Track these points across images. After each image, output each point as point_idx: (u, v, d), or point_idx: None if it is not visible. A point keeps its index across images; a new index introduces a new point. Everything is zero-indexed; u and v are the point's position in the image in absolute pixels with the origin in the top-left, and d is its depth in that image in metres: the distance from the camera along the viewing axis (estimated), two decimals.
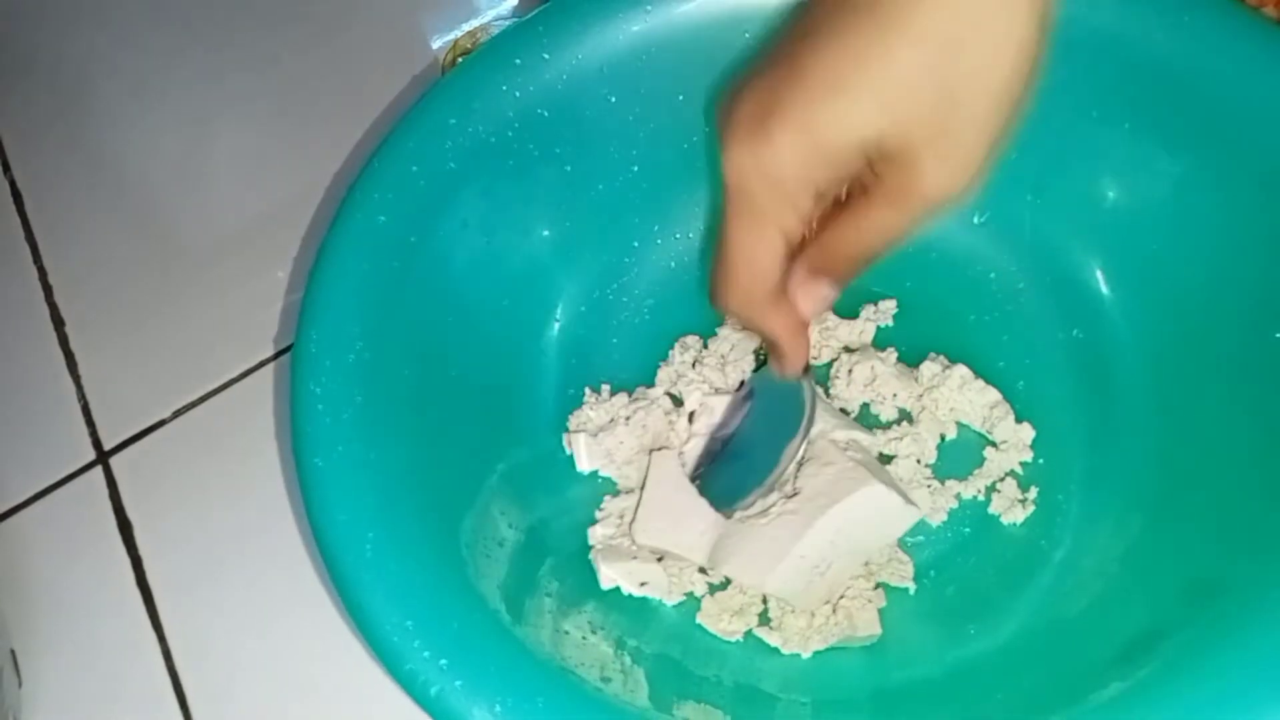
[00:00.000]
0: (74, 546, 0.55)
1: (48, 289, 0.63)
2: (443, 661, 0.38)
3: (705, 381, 0.51)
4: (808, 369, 0.45)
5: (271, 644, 0.51)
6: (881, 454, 0.49)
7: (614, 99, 0.51)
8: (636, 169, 0.53)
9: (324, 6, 0.71)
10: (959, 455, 0.49)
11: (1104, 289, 0.51)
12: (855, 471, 0.46)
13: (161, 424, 0.58)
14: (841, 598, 0.46)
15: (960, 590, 0.47)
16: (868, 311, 0.52)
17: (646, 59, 0.50)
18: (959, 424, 0.50)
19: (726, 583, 0.47)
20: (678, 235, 0.55)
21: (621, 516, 0.49)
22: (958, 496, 0.48)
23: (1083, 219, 0.51)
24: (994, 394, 0.49)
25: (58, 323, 0.62)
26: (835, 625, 0.45)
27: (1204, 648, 0.37)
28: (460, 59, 0.59)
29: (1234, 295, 0.46)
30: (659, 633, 0.46)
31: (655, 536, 0.47)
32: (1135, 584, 0.44)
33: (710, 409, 0.50)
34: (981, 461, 0.49)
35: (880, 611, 0.46)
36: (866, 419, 0.50)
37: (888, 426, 0.50)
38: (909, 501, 0.46)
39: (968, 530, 0.48)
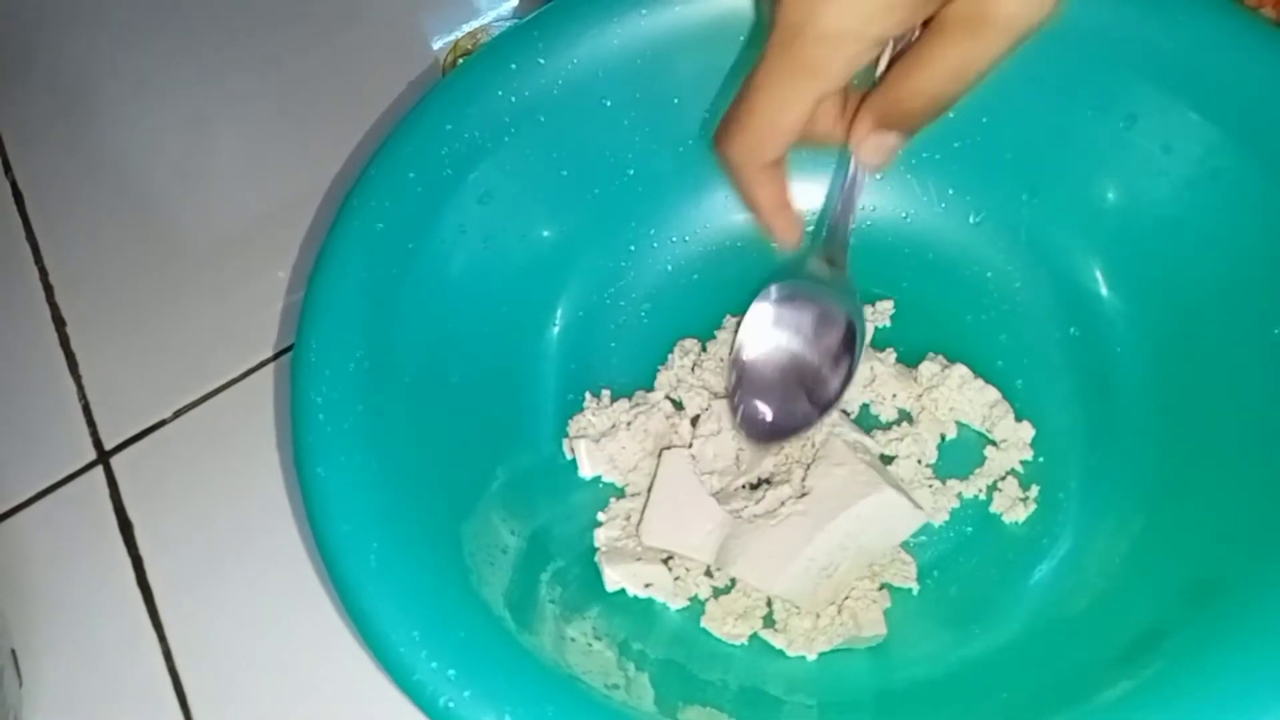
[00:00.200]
0: (74, 546, 0.55)
1: (48, 289, 0.63)
2: (451, 672, 0.38)
3: (704, 385, 0.51)
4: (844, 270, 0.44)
5: (272, 643, 0.51)
6: (882, 455, 0.49)
7: (610, 103, 0.51)
8: (633, 172, 0.53)
9: (324, 7, 0.71)
10: (959, 455, 0.49)
11: (1102, 288, 0.51)
12: (866, 474, 0.46)
13: (162, 424, 0.58)
14: (846, 598, 0.46)
15: (963, 590, 0.47)
16: (866, 312, 0.52)
17: (642, 63, 0.50)
18: (959, 423, 0.50)
19: (731, 586, 0.47)
20: (674, 239, 0.55)
21: (628, 518, 0.49)
22: (959, 496, 0.48)
23: (1080, 218, 0.51)
24: (993, 393, 0.49)
25: (58, 323, 0.62)
26: (840, 626, 0.45)
27: (1207, 647, 0.37)
28: (461, 60, 0.59)
29: (1233, 292, 0.46)
30: (663, 637, 0.46)
31: (662, 537, 0.47)
32: (1137, 583, 0.44)
33: (717, 414, 0.50)
34: (982, 461, 0.49)
35: (885, 612, 0.46)
36: (866, 419, 0.50)
37: (888, 427, 0.50)
38: (916, 505, 0.46)
39: (970, 530, 0.48)
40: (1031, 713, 0.40)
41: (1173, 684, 0.37)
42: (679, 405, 0.51)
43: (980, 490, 0.48)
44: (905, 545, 0.47)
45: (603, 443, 0.50)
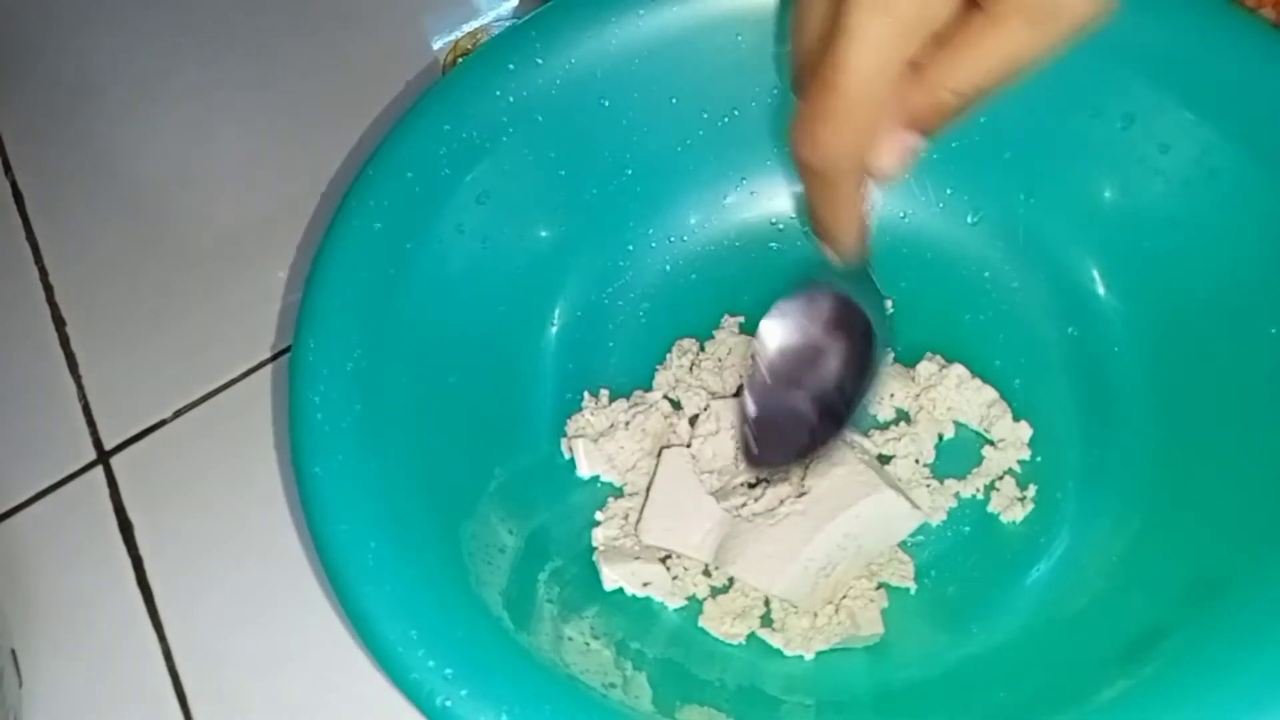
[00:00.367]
0: (74, 546, 0.55)
1: (48, 289, 0.63)
2: (448, 671, 0.38)
3: (703, 385, 0.51)
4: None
5: (272, 643, 0.51)
6: (880, 455, 0.49)
7: (607, 102, 0.51)
8: (630, 172, 0.53)
9: (324, 7, 0.71)
10: (957, 454, 0.49)
11: (1099, 288, 0.51)
12: (864, 474, 0.46)
13: (162, 424, 0.58)
14: (844, 598, 0.46)
15: (961, 589, 0.47)
16: None
17: (639, 62, 0.50)
18: (956, 423, 0.50)
19: (729, 585, 0.47)
20: (672, 239, 0.55)
21: (626, 517, 0.49)
22: (956, 495, 0.48)
23: (1078, 218, 0.51)
24: (991, 393, 0.49)
25: (58, 323, 0.62)
26: (838, 625, 0.45)
27: (1207, 646, 0.38)
28: (461, 60, 0.59)
29: (1230, 292, 0.46)
30: (661, 636, 0.46)
31: (660, 536, 0.47)
32: (1136, 582, 0.44)
33: (716, 414, 0.50)
34: (980, 460, 0.49)
35: (882, 611, 0.46)
36: (864, 419, 0.50)
37: (885, 426, 0.50)
38: (915, 505, 0.46)
39: (967, 529, 0.48)
40: (1029, 712, 0.40)
41: (1171, 683, 0.37)
42: (677, 405, 0.51)
43: (978, 490, 0.48)
44: (903, 545, 0.47)
45: (601, 442, 0.50)
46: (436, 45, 0.63)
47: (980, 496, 0.48)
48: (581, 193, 0.53)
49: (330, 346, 0.44)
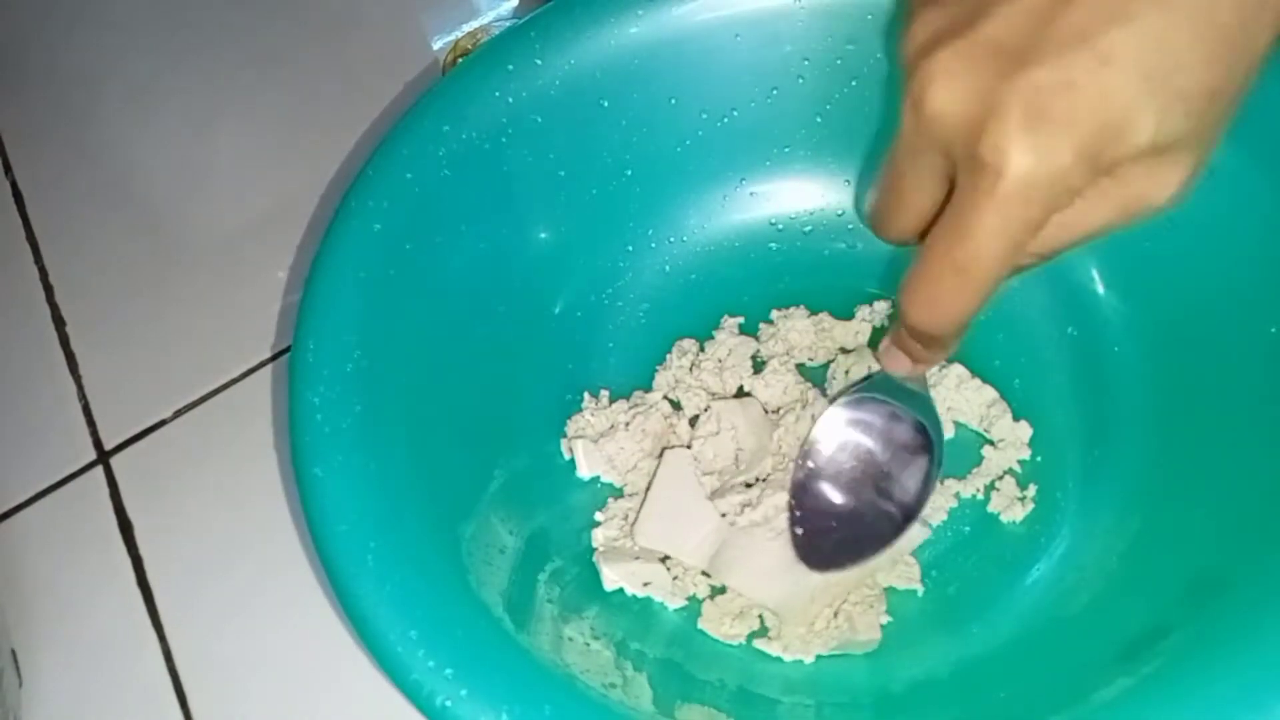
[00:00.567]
0: (74, 546, 0.55)
1: (48, 289, 0.63)
2: (448, 671, 0.38)
3: (703, 386, 0.51)
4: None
5: (271, 643, 0.51)
6: None
7: (607, 103, 0.51)
8: (630, 173, 0.53)
9: (324, 8, 0.71)
10: (957, 454, 0.49)
11: (1099, 287, 0.51)
12: None
13: (162, 424, 0.58)
14: (843, 602, 0.46)
15: (961, 590, 0.47)
16: (863, 313, 0.52)
17: (639, 63, 0.50)
18: (957, 423, 0.50)
19: (727, 586, 0.47)
20: (672, 239, 0.55)
21: (625, 518, 0.49)
22: (957, 495, 0.48)
23: None
24: (991, 392, 0.49)
25: (58, 323, 0.62)
26: (836, 630, 0.45)
27: (1208, 645, 0.37)
28: (461, 60, 0.59)
29: (1230, 291, 0.46)
30: (661, 637, 0.46)
31: (655, 539, 0.47)
32: (1137, 581, 0.44)
33: (716, 414, 0.50)
34: (980, 460, 0.49)
35: (883, 611, 0.46)
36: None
37: None
38: (923, 523, 0.46)
39: (968, 529, 0.48)
40: (1030, 712, 0.40)
41: (1172, 682, 0.37)
42: (677, 406, 0.51)
43: (978, 490, 0.48)
44: None
45: (601, 443, 0.50)
46: (436, 45, 0.63)
47: (980, 496, 0.48)
48: (581, 193, 0.53)
49: (330, 347, 0.44)
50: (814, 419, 0.47)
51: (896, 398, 0.45)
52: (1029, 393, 0.50)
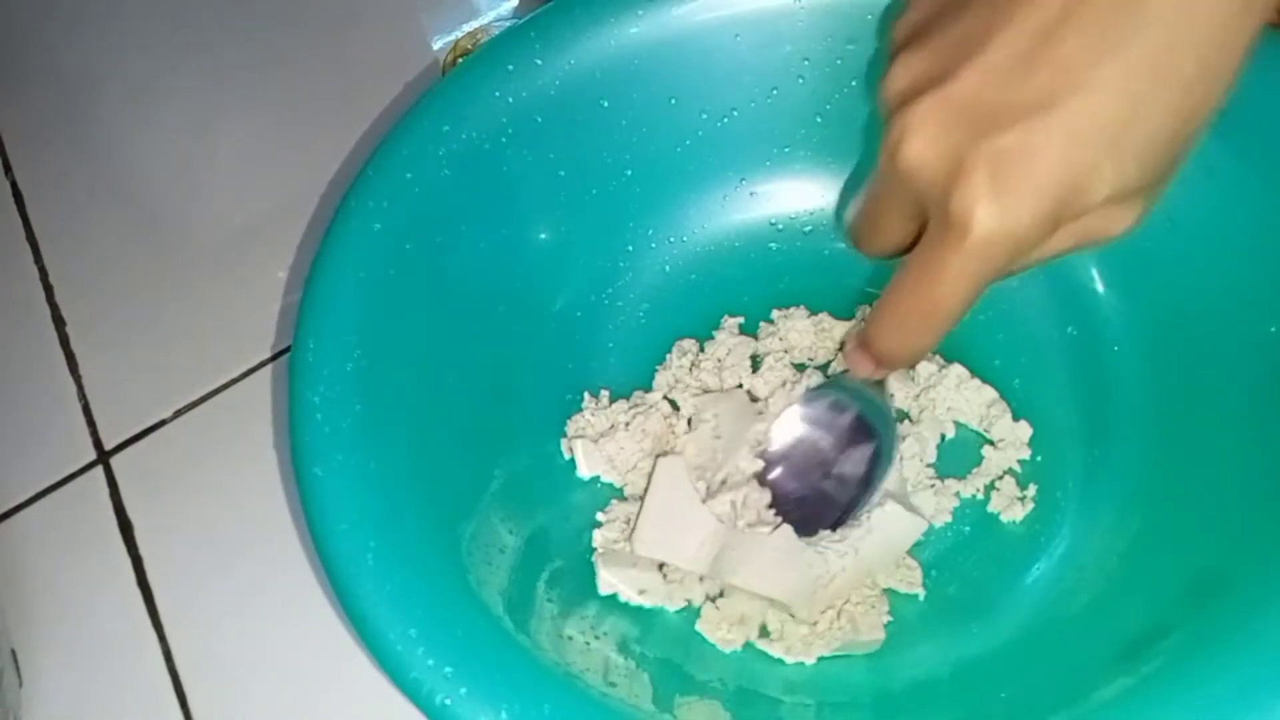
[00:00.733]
0: (74, 546, 0.55)
1: (48, 289, 0.63)
2: (448, 669, 0.38)
3: (703, 386, 0.51)
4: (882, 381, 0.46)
5: (272, 643, 0.51)
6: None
7: (607, 103, 0.51)
8: (630, 173, 0.53)
9: (324, 8, 0.71)
10: (957, 454, 0.49)
11: (1098, 286, 0.51)
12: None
13: (162, 424, 0.58)
14: (845, 603, 0.46)
15: (962, 589, 0.47)
16: (863, 313, 0.52)
17: (639, 63, 0.50)
18: (956, 423, 0.50)
19: (725, 592, 0.47)
20: (672, 239, 0.55)
21: (628, 521, 0.49)
22: (957, 495, 0.48)
23: None
24: (991, 392, 0.49)
25: (58, 323, 0.62)
26: (838, 630, 0.45)
27: (1209, 644, 0.37)
28: (461, 60, 0.59)
29: (1229, 290, 0.46)
30: (662, 636, 0.46)
31: (654, 548, 0.47)
32: (1137, 580, 0.44)
33: (705, 411, 0.50)
34: (980, 460, 0.49)
35: (885, 614, 0.46)
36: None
37: None
38: (918, 514, 0.46)
39: (968, 529, 0.48)
40: (1031, 712, 0.40)
41: (1172, 682, 0.37)
42: (677, 406, 0.51)
43: (978, 490, 0.48)
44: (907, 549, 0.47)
45: (601, 443, 0.50)
46: (436, 45, 0.63)
47: (980, 496, 0.48)
48: (581, 193, 0.53)
49: (330, 347, 0.44)
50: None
51: (847, 393, 0.48)
52: (1029, 392, 0.50)
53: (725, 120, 0.53)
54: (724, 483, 0.48)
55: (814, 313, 0.52)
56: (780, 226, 0.55)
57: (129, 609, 0.53)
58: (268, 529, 0.53)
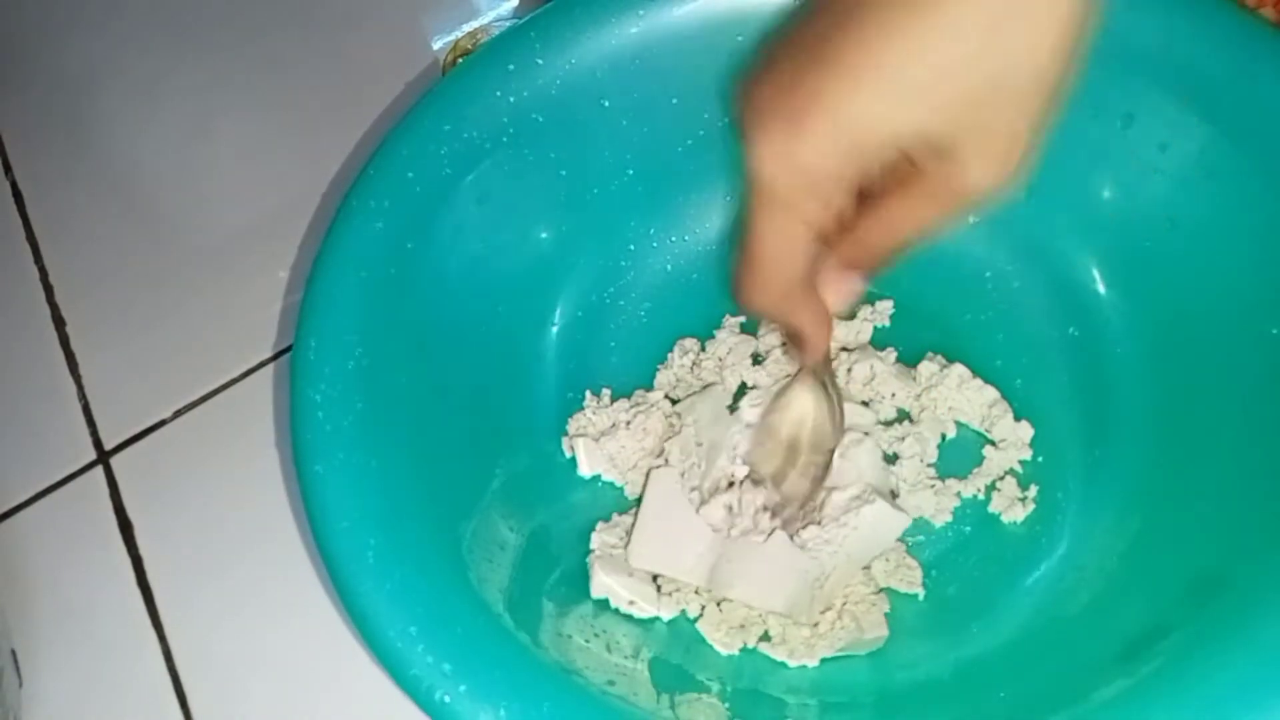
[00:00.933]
0: (74, 546, 0.55)
1: (48, 289, 0.63)
2: (447, 666, 0.38)
3: (703, 385, 0.51)
4: (828, 360, 0.45)
5: (272, 642, 0.51)
6: (885, 454, 0.49)
7: (608, 103, 0.51)
8: (632, 172, 0.53)
9: (325, 8, 0.71)
10: (958, 454, 0.49)
11: (1099, 287, 0.51)
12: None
13: (162, 424, 0.58)
14: (845, 604, 0.46)
15: (962, 589, 0.47)
16: (865, 312, 0.52)
17: (640, 62, 0.50)
18: (958, 423, 0.50)
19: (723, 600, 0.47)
20: (673, 238, 0.55)
21: (628, 530, 0.49)
22: (958, 495, 0.48)
23: (1077, 217, 0.51)
24: (992, 392, 0.50)
25: (58, 323, 0.62)
26: (842, 630, 0.45)
27: (1208, 644, 0.37)
28: (461, 60, 0.59)
29: (1230, 291, 0.46)
30: (662, 635, 0.46)
31: (651, 561, 0.47)
32: (1137, 580, 0.44)
33: (681, 414, 0.50)
34: (981, 460, 0.49)
35: (885, 614, 0.46)
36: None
37: (888, 425, 0.50)
38: (897, 508, 0.46)
39: (968, 529, 0.48)
40: (1031, 711, 0.40)
41: (1172, 682, 0.37)
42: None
43: (979, 490, 0.48)
44: (907, 548, 0.47)
45: (602, 441, 0.50)
46: (436, 45, 0.63)
47: (981, 496, 0.48)
48: (582, 193, 0.53)
49: (331, 345, 0.44)
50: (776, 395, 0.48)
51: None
52: (1030, 393, 0.50)
53: (726, 119, 0.53)
54: (714, 489, 0.48)
55: None
56: None
57: (129, 609, 0.53)
58: (268, 529, 0.53)
